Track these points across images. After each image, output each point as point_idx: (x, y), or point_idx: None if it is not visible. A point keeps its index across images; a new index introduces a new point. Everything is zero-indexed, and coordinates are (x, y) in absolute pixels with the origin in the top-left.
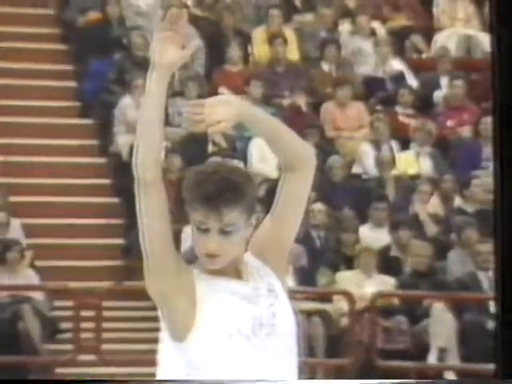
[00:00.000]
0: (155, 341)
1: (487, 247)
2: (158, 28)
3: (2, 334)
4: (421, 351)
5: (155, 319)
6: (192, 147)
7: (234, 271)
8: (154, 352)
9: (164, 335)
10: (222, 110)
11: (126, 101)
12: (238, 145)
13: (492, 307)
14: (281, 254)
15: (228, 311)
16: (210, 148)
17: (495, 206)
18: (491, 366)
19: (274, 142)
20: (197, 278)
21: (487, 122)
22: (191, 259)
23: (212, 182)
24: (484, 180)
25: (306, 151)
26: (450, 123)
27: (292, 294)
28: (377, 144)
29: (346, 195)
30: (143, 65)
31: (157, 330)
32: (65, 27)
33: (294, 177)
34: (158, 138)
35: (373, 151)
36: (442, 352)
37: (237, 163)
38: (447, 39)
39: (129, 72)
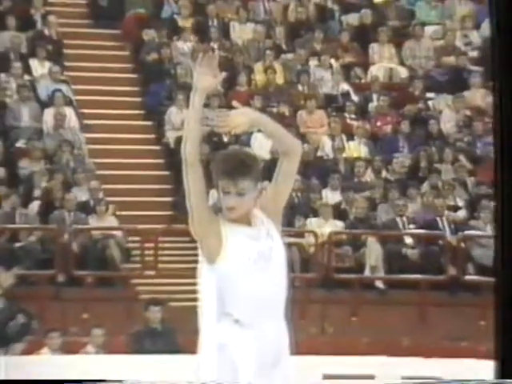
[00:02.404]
0: (196, 262)
1: (403, 201)
2: (197, 64)
3: (96, 258)
4: (360, 268)
5: (195, 249)
6: (214, 139)
7: (246, 220)
8: (195, 269)
9: (201, 259)
10: (240, 118)
11: (172, 110)
12: (243, 137)
13: (406, 240)
14: (277, 210)
15: (241, 245)
16: (226, 139)
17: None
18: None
19: (273, 137)
20: (222, 223)
21: (405, 123)
22: (217, 211)
23: (231, 161)
24: (400, 159)
25: (295, 143)
26: (379, 124)
27: (281, 233)
28: (332, 137)
29: (313, 170)
30: (184, 87)
31: (196, 256)
32: (135, 63)
33: (287, 159)
34: (197, 134)
35: (330, 142)
36: (373, 268)
37: (248, 149)
38: (377, 70)
39: (174, 91)
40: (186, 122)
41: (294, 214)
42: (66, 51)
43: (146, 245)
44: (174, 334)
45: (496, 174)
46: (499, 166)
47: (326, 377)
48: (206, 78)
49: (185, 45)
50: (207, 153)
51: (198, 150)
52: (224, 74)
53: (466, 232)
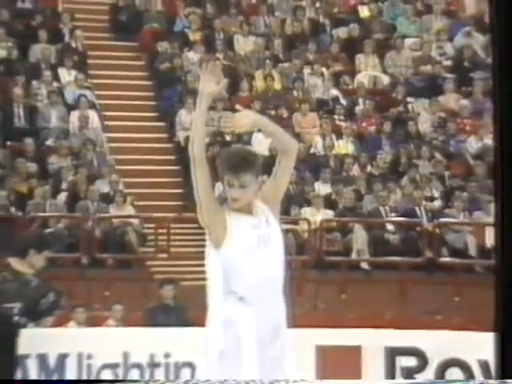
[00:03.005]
0: (203, 246)
1: (385, 193)
2: (203, 72)
3: (115, 243)
4: (347, 251)
5: (203, 234)
6: (219, 138)
7: (248, 209)
8: (203, 252)
9: (208, 244)
10: (243, 119)
11: (182, 112)
12: (245, 137)
13: (388, 227)
14: (276, 200)
15: (244, 232)
16: (229, 139)
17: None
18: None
19: (272, 136)
20: (226, 213)
21: (387, 123)
22: (222, 202)
23: (235, 158)
24: (383, 156)
25: (291, 141)
26: (364, 124)
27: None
28: (323, 136)
29: (307, 165)
30: (193, 92)
31: (204, 240)
32: (150, 71)
33: (284, 156)
34: (203, 134)
35: (321, 140)
36: (359, 251)
37: (249, 147)
38: (363, 77)
39: (184, 96)
40: (194, 123)
41: (290, 203)
42: (90, 61)
43: (160, 231)
44: (185, 310)
45: (496, 167)
46: (499, 157)
47: (319, 347)
48: (211, 84)
49: (194, 55)
50: (213, 150)
51: (204, 147)
52: (227, 81)
53: (441, 219)
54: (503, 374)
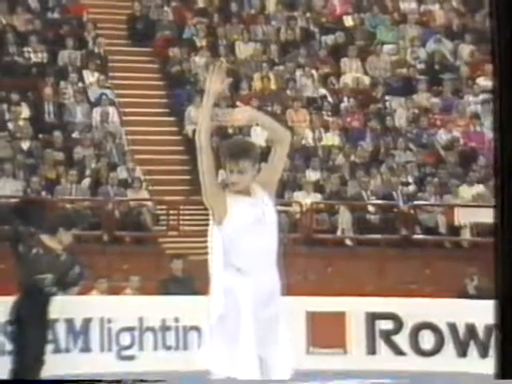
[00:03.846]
0: (207, 225)
1: (367, 179)
2: (209, 73)
3: (132, 222)
4: (334, 230)
5: (208, 215)
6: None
7: (246, 192)
8: (206, 230)
9: (212, 223)
10: (241, 114)
11: (190, 109)
12: (244, 130)
13: (369, 208)
14: (272, 185)
15: (242, 211)
16: (231, 131)
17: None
18: (368, 236)
19: (268, 128)
20: (228, 195)
21: (368, 119)
22: (225, 186)
23: (235, 147)
24: (364, 147)
25: (285, 133)
26: (348, 119)
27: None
28: (313, 130)
29: (298, 155)
30: (200, 92)
31: (209, 220)
32: (163, 73)
33: (279, 146)
34: (208, 127)
35: (311, 133)
36: (344, 230)
37: (248, 138)
38: (347, 79)
39: (192, 95)
40: (200, 117)
41: (284, 188)
42: (110, 64)
43: (171, 212)
44: (192, 281)
45: (496, 153)
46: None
47: (309, 313)
48: (216, 84)
49: (200, 59)
50: (217, 141)
51: (209, 138)
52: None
53: (415, 202)
54: (504, 339)
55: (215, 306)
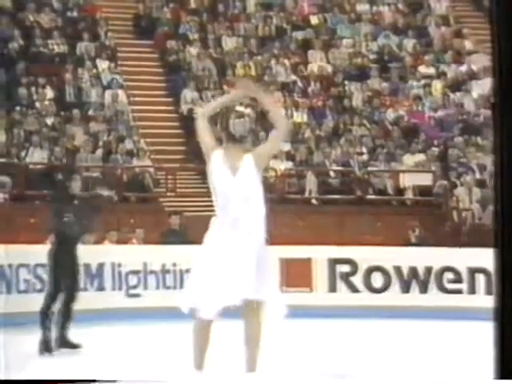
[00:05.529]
0: (200, 187)
1: (329, 149)
2: (237, 86)
3: (137, 185)
4: (302, 191)
5: (199, 180)
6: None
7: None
8: (198, 192)
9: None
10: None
11: (185, 91)
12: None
13: (331, 174)
14: (263, 160)
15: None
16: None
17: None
18: (330, 196)
19: (269, 109)
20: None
21: (330, 100)
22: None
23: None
24: (327, 123)
25: (284, 118)
26: (314, 101)
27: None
28: (286, 109)
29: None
30: (193, 77)
31: (200, 183)
32: (162, 62)
33: (276, 129)
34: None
35: (284, 112)
36: (310, 191)
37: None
38: (313, 67)
39: (187, 80)
40: (210, 103)
41: None
42: (118, 54)
43: (169, 177)
44: (187, 233)
45: (495, 138)
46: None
47: (282, 259)
48: (238, 90)
49: (193, 50)
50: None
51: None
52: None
53: (368, 168)
54: (504, 339)
55: (208, 252)
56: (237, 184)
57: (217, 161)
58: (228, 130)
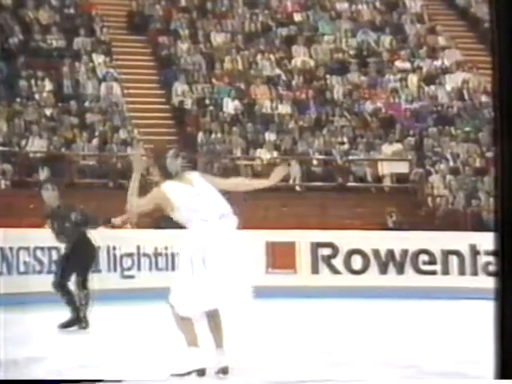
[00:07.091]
0: None
1: (311, 139)
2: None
3: (131, 173)
4: (287, 179)
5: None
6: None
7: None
8: None
9: None
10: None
11: (177, 84)
12: (218, 101)
13: (314, 162)
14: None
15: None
16: (208, 102)
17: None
18: (313, 183)
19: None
20: (165, 189)
21: (313, 93)
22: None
23: None
24: (310, 115)
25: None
26: (298, 93)
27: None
28: (271, 101)
29: (260, 121)
30: (184, 71)
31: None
32: (154, 56)
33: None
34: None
35: (270, 103)
36: (295, 178)
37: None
38: (297, 61)
39: (178, 74)
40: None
41: (248, 147)
42: (113, 49)
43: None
44: None
45: (495, 136)
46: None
47: (268, 243)
48: (277, 172)
49: (184, 46)
50: (196, 111)
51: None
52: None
53: (349, 157)
54: (504, 339)
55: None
56: (197, 195)
57: (170, 188)
58: (165, 169)
